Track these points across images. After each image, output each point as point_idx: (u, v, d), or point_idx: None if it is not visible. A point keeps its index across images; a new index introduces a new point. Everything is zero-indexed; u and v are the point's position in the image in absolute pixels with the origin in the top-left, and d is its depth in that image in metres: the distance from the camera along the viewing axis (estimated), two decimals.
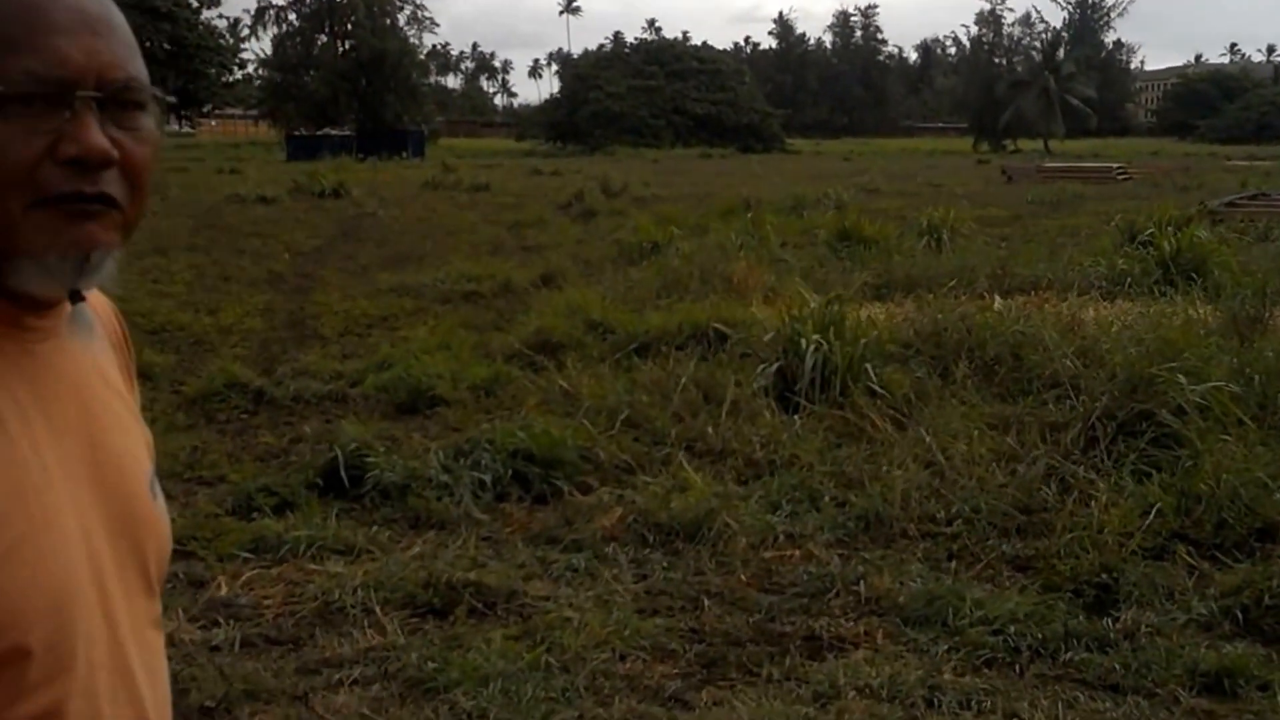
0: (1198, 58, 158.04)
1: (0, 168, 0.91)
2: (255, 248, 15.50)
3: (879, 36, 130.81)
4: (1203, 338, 7.08)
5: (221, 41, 65.79)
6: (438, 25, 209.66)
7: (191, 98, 62.30)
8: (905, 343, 7.69)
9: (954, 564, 4.74)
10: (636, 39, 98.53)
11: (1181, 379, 5.98)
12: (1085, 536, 4.73)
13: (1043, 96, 78.27)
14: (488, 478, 5.55)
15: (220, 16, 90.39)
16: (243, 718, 3.55)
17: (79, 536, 0.97)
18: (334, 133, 60.91)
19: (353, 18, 68.39)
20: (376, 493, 5.44)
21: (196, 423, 6.96)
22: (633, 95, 75.70)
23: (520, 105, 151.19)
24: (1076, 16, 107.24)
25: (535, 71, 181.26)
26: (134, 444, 1.10)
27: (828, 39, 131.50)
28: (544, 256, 14.25)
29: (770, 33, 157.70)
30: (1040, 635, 4.04)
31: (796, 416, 6.50)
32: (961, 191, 26.40)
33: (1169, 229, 11.78)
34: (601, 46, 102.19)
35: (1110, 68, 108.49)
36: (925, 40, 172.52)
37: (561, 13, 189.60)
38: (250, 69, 75.38)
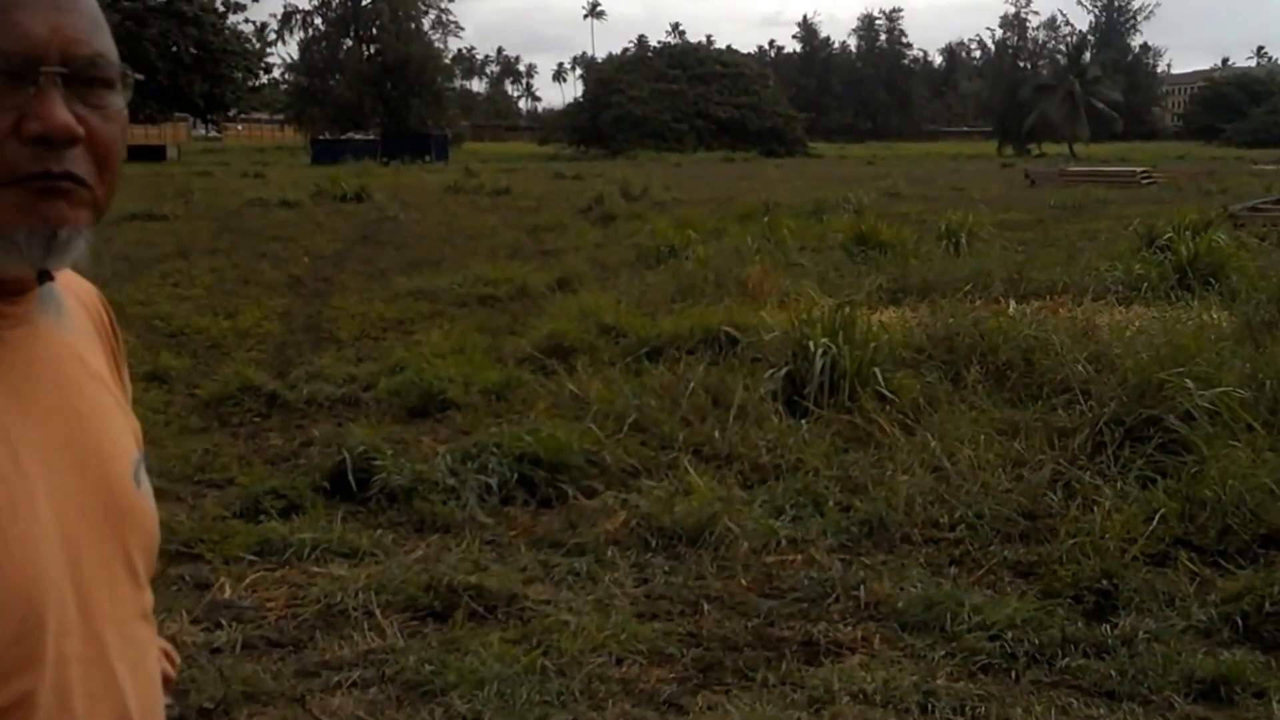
0: (1224, 61, 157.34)
1: None
2: (276, 252, 15.62)
3: (903, 40, 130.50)
4: (1214, 343, 7.03)
5: (248, 46, 66.05)
6: (462, 29, 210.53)
7: (218, 102, 62.63)
8: (917, 347, 7.66)
9: (955, 569, 4.74)
10: (660, 42, 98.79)
11: (1190, 384, 5.96)
12: (1088, 542, 4.72)
13: (1068, 100, 77.89)
14: (494, 481, 5.58)
15: (246, 21, 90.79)
16: (240, 719, 3.59)
17: (54, 525, 0.94)
18: (358, 137, 61.20)
19: (378, 22, 68.86)
20: (383, 496, 5.48)
21: (209, 426, 7.03)
22: (656, 99, 75.64)
23: (544, 109, 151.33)
24: (1102, 20, 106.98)
25: (559, 75, 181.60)
26: (118, 431, 1.07)
27: (852, 43, 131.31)
28: (561, 260, 14.30)
29: (794, 36, 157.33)
30: (1038, 641, 4.04)
31: (804, 421, 6.50)
32: (983, 196, 26.25)
33: (1187, 233, 11.71)
34: (625, 50, 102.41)
35: (1136, 71, 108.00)
36: (950, 44, 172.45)
37: (586, 16, 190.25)
38: (276, 73, 76.13)
